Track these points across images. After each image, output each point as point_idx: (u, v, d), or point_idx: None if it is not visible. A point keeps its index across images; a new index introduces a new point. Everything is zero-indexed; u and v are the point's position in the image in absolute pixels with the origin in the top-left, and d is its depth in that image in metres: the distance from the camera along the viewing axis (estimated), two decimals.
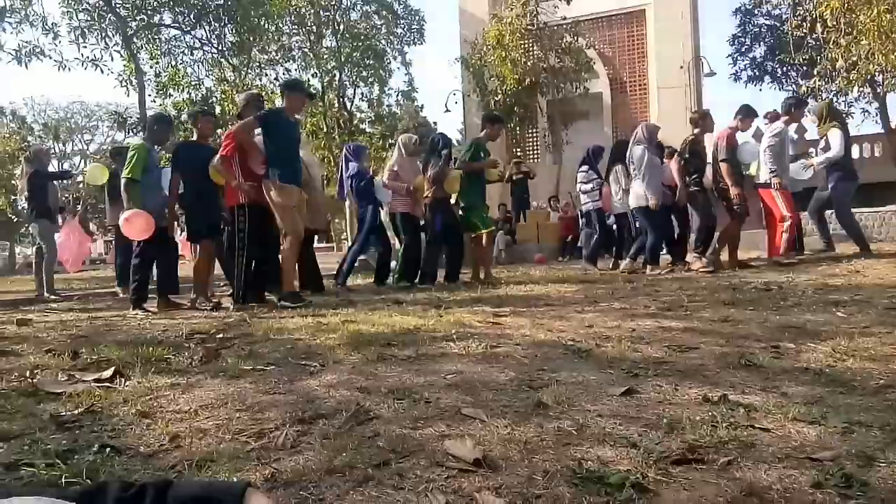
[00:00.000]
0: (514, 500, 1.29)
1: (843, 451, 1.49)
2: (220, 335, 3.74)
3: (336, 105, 23.67)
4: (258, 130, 5.56)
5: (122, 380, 2.56)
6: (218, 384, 2.44)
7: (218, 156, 5.66)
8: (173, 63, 18.96)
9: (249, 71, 20.81)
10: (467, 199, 7.25)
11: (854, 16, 11.90)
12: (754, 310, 3.96)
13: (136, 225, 5.59)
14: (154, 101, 19.38)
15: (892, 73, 12.43)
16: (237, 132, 5.52)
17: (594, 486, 1.34)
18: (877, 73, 12.25)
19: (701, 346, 2.84)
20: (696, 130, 7.59)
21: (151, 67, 18.64)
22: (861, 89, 14.22)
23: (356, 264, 8.02)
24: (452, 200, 7.29)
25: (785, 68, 24.81)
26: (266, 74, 22.84)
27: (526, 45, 16.23)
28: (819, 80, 14.45)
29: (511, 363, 2.62)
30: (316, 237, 7.62)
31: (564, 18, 15.91)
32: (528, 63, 15.84)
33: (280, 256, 5.61)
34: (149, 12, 16.91)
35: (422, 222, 7.39)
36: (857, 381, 2.15)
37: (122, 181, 5.85)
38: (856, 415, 1.76)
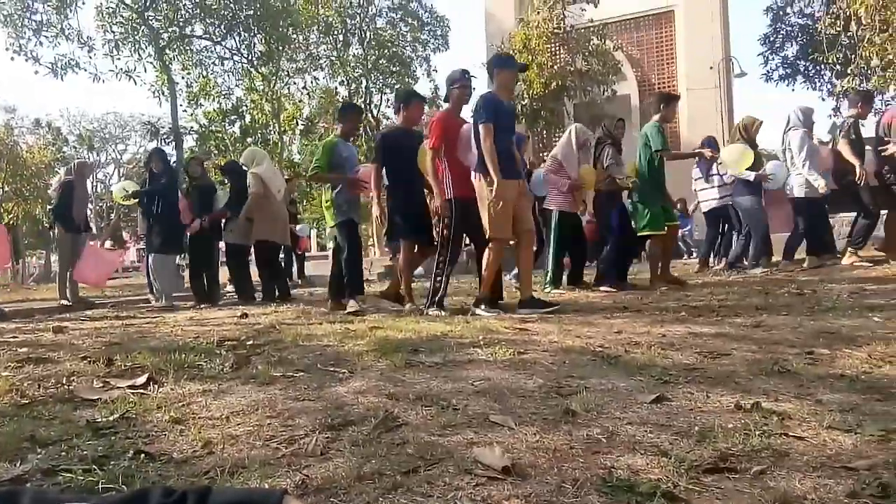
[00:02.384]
0: None
1: (880, 459, 1.45)
2: (251, 342, 3.79)
3: (363, 112, 23.85)
4: (468, 116, 5.00)
5: (156, 386, 2.61)
6: (249, 390, 2.47)
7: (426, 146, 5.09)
8: (204, 73, 19.31)
9: (278, 80, 21.10)
10: (650, 192, 6.36)
11: (889, 13, 11.63)
12: (787, 315, 3.88)
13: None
14: (185, 112, 19.76)
15: None
16: (444, 118, 4.99)
17: (624, 495, 1.33)
18: None
19: (733, 353, 2.80)
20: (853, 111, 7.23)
21: (183, 78, 19.01)
22: None
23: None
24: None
25: (818, 67, 24.27)
26: (294, 83, 23.16)
27: (552, 49, 16.17)
28: (854, 79, 14.13)
29: (539, 370, 2.61)
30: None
31: (591, 21, 15.82)
32: (555, 67, 15.77)
33: (484, 262, 4.94)
34: (181, 24, 17.25)
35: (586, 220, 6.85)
36: (893, 387, 2.09)
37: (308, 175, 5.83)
38: (893, 423, 1.72)
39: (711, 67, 17.82)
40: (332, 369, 2.81)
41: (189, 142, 21.72)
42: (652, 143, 6.26)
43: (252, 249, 7.67)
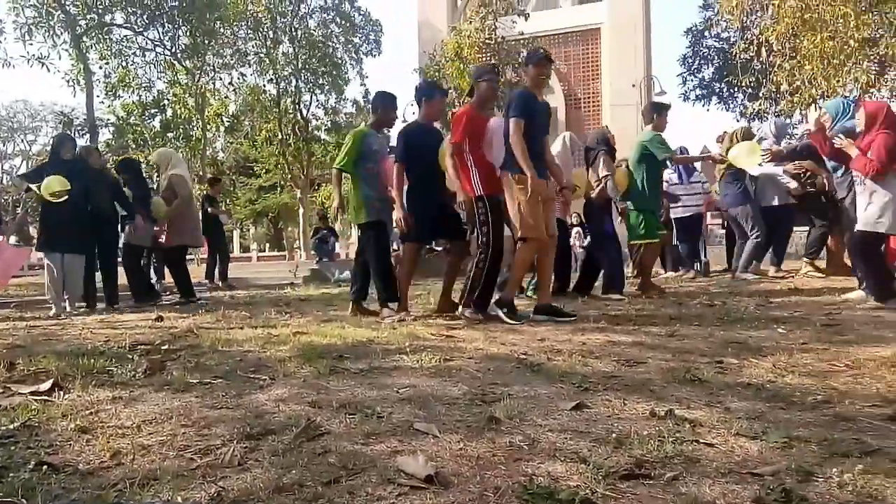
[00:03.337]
0: None
1: (784, 465, 1.54)
2: (166, 346, 3.63)
3: (292, 111, 23.47)
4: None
5: (61, 393, 2.46)
6: (162, 398, 2.37)
7: (447, 143, 4.75)
8: (124, 64, 18.49)
9: (203, 74, 20.45)
10: (646, 200, 6.26)
11: (798, 41, 12.43)
12: (699, 325, 4.06)
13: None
14: (102, 103, 18.86)
15: (834, 96, 13.02)
16: (469, 112, 4.68)
17: (545, 502, 1.35)
18: (819, 97, 12.81)
19: (648, 361, 2.90)
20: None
21: (101, 68, 18.16)
22: (803, 112, 14.87)
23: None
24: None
25: (732, 90, 25.70)
26: (220, 78, 22.53)
27: (484, 59, 16.41)
28: (764, 102, 15.04)
29: (464, 377, 2.63)
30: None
31: (522, 34, 16.16)
32: None
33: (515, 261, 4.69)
34: (100, 11, 16.47)
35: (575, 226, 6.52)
36: (796, 396, 2.22)
37: (333, 172, 5.24)
38: (795, 430, 1.83)
39: (634, 85, 18.51)
40: (252, 376, 2.73)
41: (105, 135, 20.72)
42: (657, 152, 6.21)
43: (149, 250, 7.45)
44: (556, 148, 6.33)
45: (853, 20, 11.44)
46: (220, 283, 10.04)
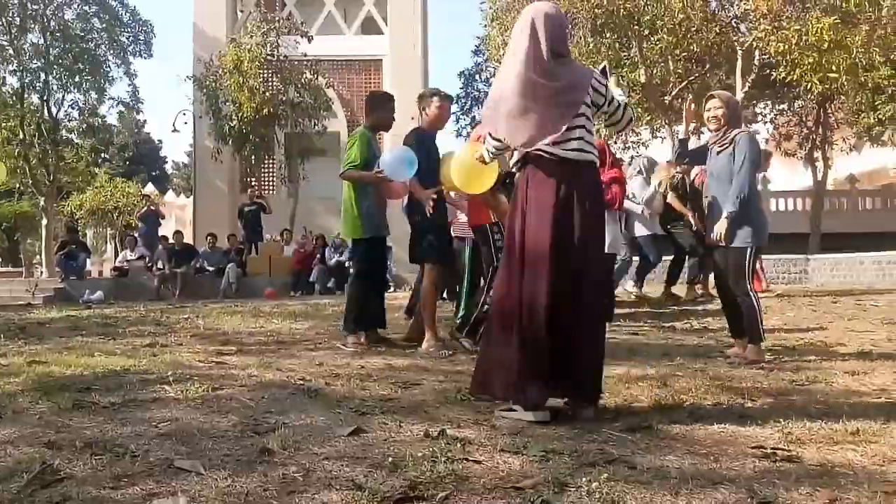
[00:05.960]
0: None
1: (542, 478, 1.67)
2: None
3: (39, 110, 20.61)
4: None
5: None
6: None
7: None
8: None
9: None
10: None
11: None
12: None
13: None
14: None
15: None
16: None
17: None
18: None
19: (423, 383, 3.00)
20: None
21: None
22: None
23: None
24: None
25: None
26: None
27: (265, 76, 15.96)
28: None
29: (235, 406, 2.47)
30: None
31: (305, 55, 16.02)
32: (267, 93, 15.57)
33: None
34: None
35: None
36: (555, 410, 2.43)
37: (348, 174, 4.41)
38: (551, 443, 2.00)
39: (413, 118, 19.31)
40: None
41: None
42: None
43: None
44: None
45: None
46: None
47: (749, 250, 3.66)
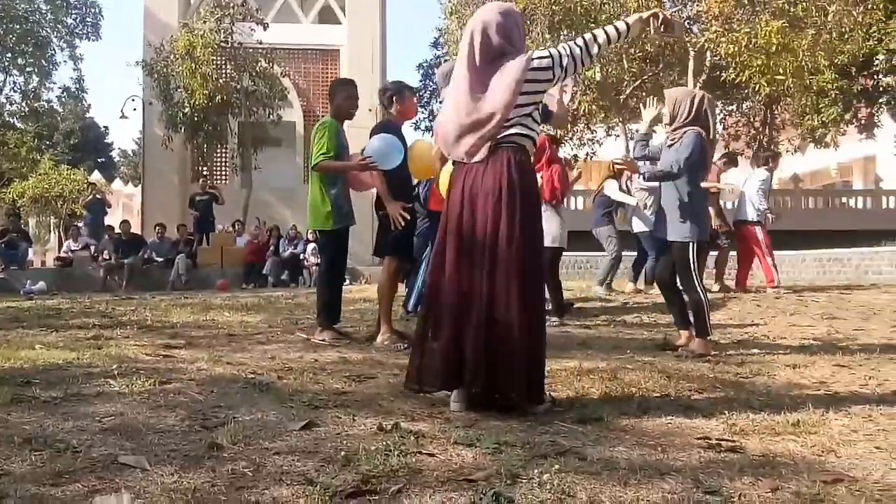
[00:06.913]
0: None
1: (494, 470, 1.68)
2: None
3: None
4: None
5: None
6: None
7: None
8: None
9: None
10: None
11: None
12: None
13: None
14: None
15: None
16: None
17: None
18: None
19: (378, 376, 2.98)
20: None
21: None
22: None
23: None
24: None
25: None
26: None
27: (218, 62, 15.57)
28: None
29: (183, 401, 2.41)
30: None
31: (260, 43, 15.69)
32: (221, 81, 15.21)
33: None
34: None
35: None
36: (503, 403, 2.45)
37: (322, 165, 4.32)
38: (504, 435, 2.01)
39: (370, 110, 19.13)
40: None
41: None
42: None
43: None
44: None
45: None
46: None
47: (691, 245, 3.76)
